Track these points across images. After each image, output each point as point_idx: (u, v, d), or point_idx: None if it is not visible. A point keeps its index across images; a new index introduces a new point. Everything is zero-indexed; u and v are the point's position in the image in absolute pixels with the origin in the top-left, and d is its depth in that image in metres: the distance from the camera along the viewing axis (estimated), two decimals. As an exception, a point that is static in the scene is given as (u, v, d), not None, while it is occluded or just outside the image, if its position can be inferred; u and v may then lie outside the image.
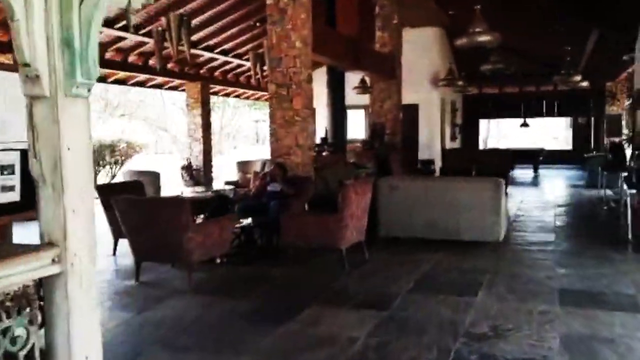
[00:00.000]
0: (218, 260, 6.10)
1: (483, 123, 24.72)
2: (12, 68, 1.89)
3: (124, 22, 9.60)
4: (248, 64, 12.20)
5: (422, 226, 7.01)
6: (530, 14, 11.91)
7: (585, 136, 20.79)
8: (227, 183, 10.59)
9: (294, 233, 6.09)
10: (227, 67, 14.07)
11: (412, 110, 14.84)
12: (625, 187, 7.78)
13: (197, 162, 13.80)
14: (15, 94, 1.81)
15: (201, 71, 13.52)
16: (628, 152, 11.09)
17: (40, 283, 1.50)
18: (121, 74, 12.11)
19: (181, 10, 8.99)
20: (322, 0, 9.03)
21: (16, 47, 1.44)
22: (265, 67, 9.56)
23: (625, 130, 14.17)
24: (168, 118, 29.34)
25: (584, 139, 20.72)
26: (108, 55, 10.71)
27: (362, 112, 15.68)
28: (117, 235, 6.52)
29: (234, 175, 12.24)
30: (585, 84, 15.65)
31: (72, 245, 1.50)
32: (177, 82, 13.78)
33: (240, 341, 3.91)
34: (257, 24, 11.27)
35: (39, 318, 1.50)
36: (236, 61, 13.47)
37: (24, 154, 2.26)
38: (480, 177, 8.47)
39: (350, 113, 13.46)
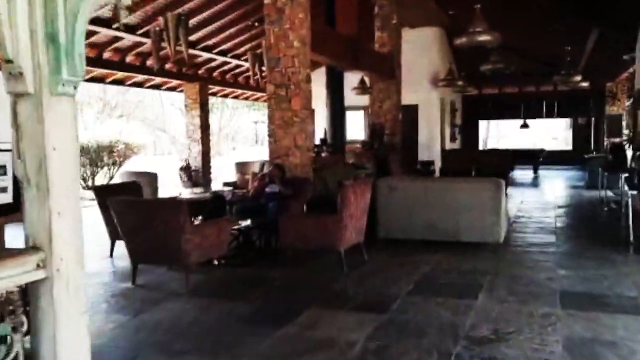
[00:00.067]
0: (216, 262, 6.04)
1: (482, 123, 24.68)
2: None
3: (122, 22, 9.55)
4: (246, 65, 12.15)
5: (421, 227, 6.96)
6: (530, 13, 11.87)
7: (585, 137, 20.74)
8: (226, 184, 10.53)
9: (293, 234, 6.03)
10: (226, 67, 14.03)
11: (411, 111, 14.80)
12: (626, 188, 7.73)
13: (196, 163, 13.76)
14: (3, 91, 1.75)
15: (199, 72, 13.47)
16: (628, 152, 11.04)
17: (26, 288, 1.44)
18: (119, 75, 12.06)
19: (179, 10, 8.94)
20: (321, -1, 8.99)
21: (-2, 42, 1.38)
22: (264, 68, 9.51)
23: (625, 131, 14.12)
24: (167, 119, 29.30)
25: (583, 140, 20.68)
26: (106, 55, 10.67)
27: (361, 113, 15.64)
28: (114, 236, 6.46)
29: (233, 176, 12.19)
30: (585, 84, 15.61)
31: (58, 249, 1.44)
32: (175, 82, 13.73)
33: (238, 344, 3.85)
34: (256, 24, 11.22)
35: (25, 324, 1.44)
36: (235, 62, 13.43)
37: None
38: (480, 177, 8.41)
39: (349, 114, 13.43)
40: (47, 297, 1.43)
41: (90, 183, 14.12)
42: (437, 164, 14.44)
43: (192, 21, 9.73)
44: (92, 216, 6.99)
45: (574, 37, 12.50)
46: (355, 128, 15.61)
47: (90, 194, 9.60)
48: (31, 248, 1.44)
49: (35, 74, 1.39)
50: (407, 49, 12.56)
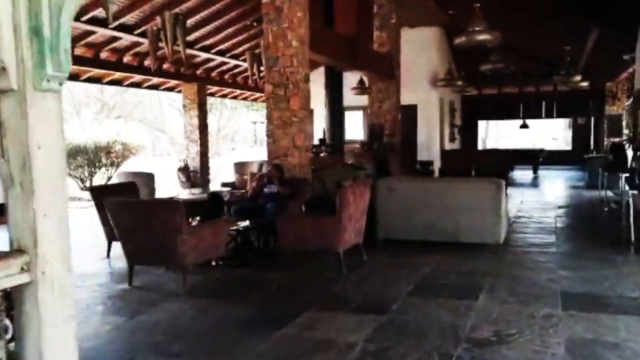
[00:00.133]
0: (214, 263, 5.99)
1: (482, 124, 24.65)
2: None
3: (118, 22, 9.51)
4: (245, 65, 12.11)
5: (421, 228, 6.90)
6: (530, 13, 11.83)
7: (585, 137, 20.71)
8: (224, 184, 10.49)
9: (291, 235, 5.98)
10: (224, 67, 13.98)
11: (410, 111, 14.76)
12: (627, 188, 7.68)
13: (194, 163, 13.71)
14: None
15: (197, 72, 13.42)
16: (629, 152, 11.00)
17: (10, 292, 1.38)
18: (117, 75, 12.01)
19: (177, 10, 8.89)
20: (319, -1, 8.95)
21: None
22: (262, 68, 9.46)
23: (625, 131, 14.08)
24: (165, 119, 29.26)
25: (583, 140, 20.64)
26: (103, 55, 10.62)
27: (360, 113, 15.60)
28: (110, 237, 6.41)
29: (231, 177, 12.14)
30: (585, 84, 15.57)
31: (43, 252, 1.38)
32: (173, 82, 13.69)
33: (235, 346, 3.80)
34: (254, 24, 11.18)
35: (10, 329, 1.39)
36: (233, 62, 13.38)
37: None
38: (480, 177, 8.36)
39: (348, 114, 13.38)
40: (32, 300, 1.38)
41: (88, 184, 14.07)
42: (437, 164, 14.40)
43: (190, 21, 9.68)
44: (90, 217, 6.95)
45: (574, 37, 12.46)
46: (355, 128, 15.57)
47: (89, 194, 9.55)
48: (15, 251, 1.39)
49: (19, 69, 1.34)
50: (407, 48, 12.52)
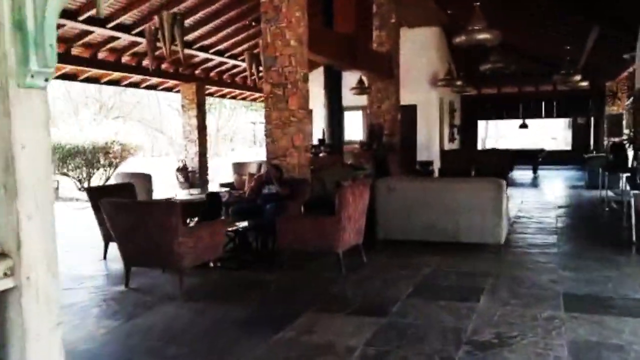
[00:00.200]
0: (211, 264, 5.93)
1: (481, 124, 24.61)
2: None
3: (117, 21, 9.45)
4: (244, 65, 12.05)
5: (421, 228, 6.84)
6: (530, 12, 11.78)
7: (585, 136, 20.68)
8: (222, 185, 10.42)
9: (290, 236, 5.92)
10: (223, 67, 13.92)
11: (410, 111, 14.72)
12: (628, 187, 7.63)
13: (193, 164, 13.65)
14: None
15: (196, 72, 13.36)
16: (629, 152, 10.95)
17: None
18: (115, 75, 11.95)
19: (175, 9, 8.83)
20: (318, -2, 8.90)
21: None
22: (261, 68, 9.40)
23: (626, 130, 14.04)
24: (164, 120, 29.21)
25: (583, 140, 20.60)
26: (101, 55, 10.56)
27: (359, 113, 15.55)
28: (107, 239, 6.36)
29: (230, 177, 12.08)
30: (585, 83, 15.53)
31: (28, 256, 1.32)
32: (171, 82, 13.63)
33: (233, 349, 3.74)
34: (253, 24, 11.12)
35: (-7, 337, 1.33)
36: (231, 62, 13.33)
37: None
38: (481, 177, 8.30)
39: (347, 114, 13.34)
40: (16, 307, 1.31)
41: (86, 184, 14.00)
42: (436, 164, 14.36)
43: (189, 21, 9.63)
44: (87, 218, 6.88)
45: (573, 37, 12.42)
46: (354, 128, 15.53)
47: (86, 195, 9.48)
48: (-2, 255, 1.32)
49: (1, 65, 1.28)
50: (406, 48, 12.48)
